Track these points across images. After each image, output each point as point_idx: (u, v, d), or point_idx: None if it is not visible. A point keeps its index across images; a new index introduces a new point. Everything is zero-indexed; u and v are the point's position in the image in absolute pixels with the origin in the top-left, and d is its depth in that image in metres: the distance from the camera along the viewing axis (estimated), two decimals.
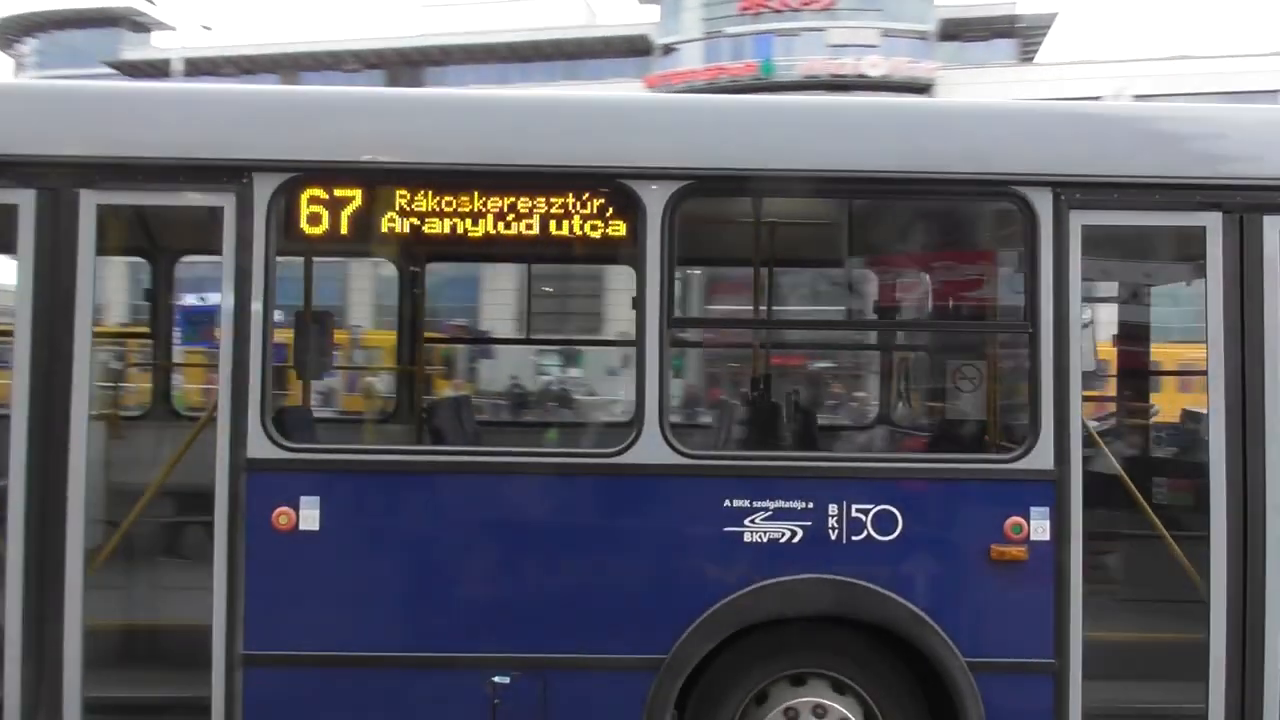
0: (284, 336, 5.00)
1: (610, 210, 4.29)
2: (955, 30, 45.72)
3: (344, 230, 4.28)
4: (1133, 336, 6.22)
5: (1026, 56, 47.90)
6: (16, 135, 4.34)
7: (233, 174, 4.23)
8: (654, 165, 4.27)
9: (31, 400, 4.19)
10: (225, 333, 4.25)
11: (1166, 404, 6.96)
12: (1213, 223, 4.26)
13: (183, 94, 5.16)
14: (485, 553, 4.27)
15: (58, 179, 4.23)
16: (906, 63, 43.25)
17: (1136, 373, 6.31)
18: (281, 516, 4.14)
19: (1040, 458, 4.17)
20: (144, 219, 5.57)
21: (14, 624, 4.14)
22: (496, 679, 4.11)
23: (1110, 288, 6.01)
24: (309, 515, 4.14)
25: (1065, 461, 4.17)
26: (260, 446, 4.16)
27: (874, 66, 42.93)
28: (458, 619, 4.23)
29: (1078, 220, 4.23)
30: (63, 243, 4.23)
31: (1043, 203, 4.22)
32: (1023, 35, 47.03)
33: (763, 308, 5.96)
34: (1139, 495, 4.56)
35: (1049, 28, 47.33)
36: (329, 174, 4.28)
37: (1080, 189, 4.26)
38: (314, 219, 4.26)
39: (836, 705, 4.22)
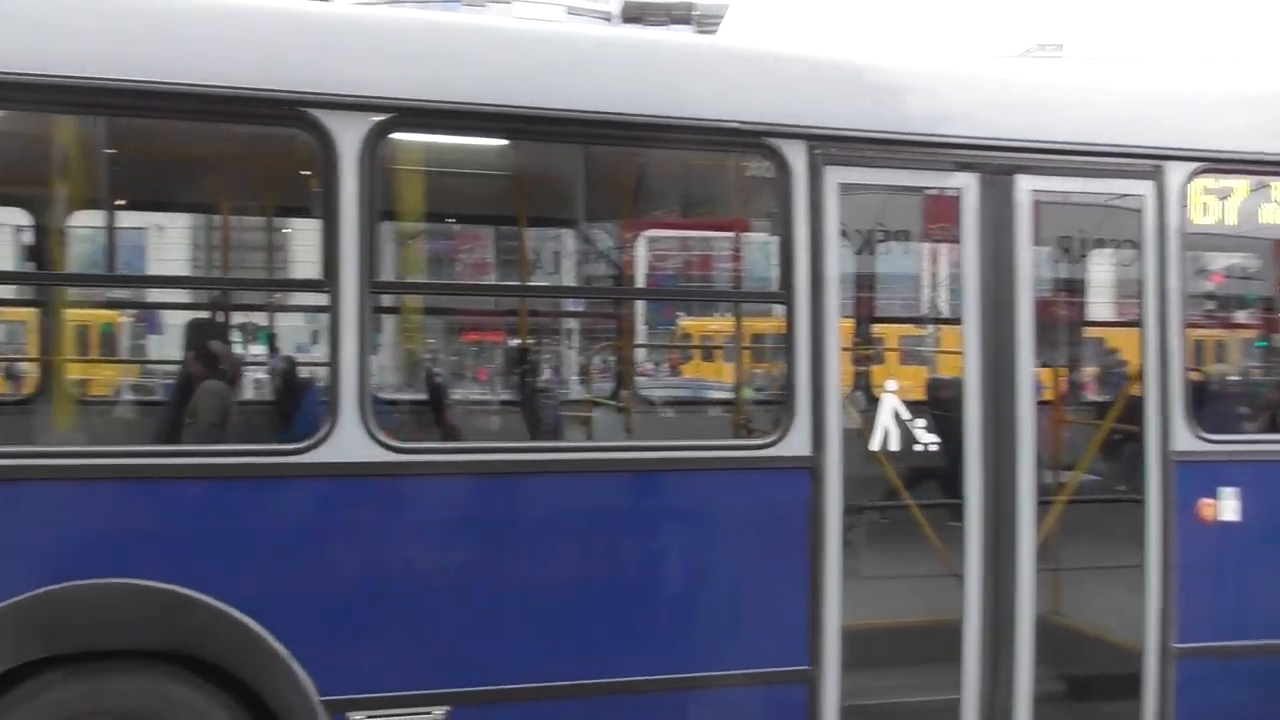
0: None
1: None
2: (637, 14, 47.51)
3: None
4: None
5: None
6: (951, 117, 3.99)
7: (1150, 163, 4.15)
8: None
9: (983, 387, 3.94)
10: (1149, 325, 4.16)
11: None
12: None
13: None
14: None
15: (997, 164, 3.95)
16: None
17: None
18: (1206, 508, 4.16)
19: None
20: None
21: (974, 613, 3.93)
22: None
23: None
24: (1228, 506, 4.20)
25: None
26: (1185, 440, 4.15)
27: None
28: None
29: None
30: (1003, 229, 3.96)
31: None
32: (699, 23, 49.92)
33: None
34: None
35: (722, 17, 50.65)
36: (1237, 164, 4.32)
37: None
38: (1205, 209, 4.29)
39: None
